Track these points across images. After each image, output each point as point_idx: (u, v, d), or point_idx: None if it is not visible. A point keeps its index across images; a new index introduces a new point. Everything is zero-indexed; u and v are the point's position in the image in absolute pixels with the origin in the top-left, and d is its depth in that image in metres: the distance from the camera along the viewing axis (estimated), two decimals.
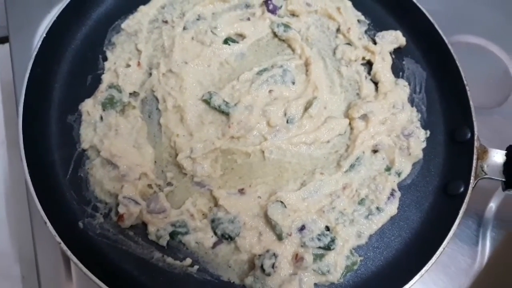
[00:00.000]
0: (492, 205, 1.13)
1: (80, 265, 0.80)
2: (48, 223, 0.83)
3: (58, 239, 0.82)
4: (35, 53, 0.97)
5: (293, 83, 1.04)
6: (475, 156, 0.96)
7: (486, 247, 1.08)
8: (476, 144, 0.97)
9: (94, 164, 0.93)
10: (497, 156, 0.96)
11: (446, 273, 1.06)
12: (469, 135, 0.99)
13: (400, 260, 0.93)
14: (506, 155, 0.96)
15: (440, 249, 0.89)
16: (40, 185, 0.86)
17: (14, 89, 1.13)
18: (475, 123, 1.00)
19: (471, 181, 0.94)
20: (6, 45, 1.23)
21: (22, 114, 0.91)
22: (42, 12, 1.24)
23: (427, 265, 0.87)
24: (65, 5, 1.02)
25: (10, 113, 1.23)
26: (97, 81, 1.01)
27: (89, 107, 0.97)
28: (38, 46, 0.97)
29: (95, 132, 0.96)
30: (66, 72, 1.02)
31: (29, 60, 0.96)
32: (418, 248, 0.93)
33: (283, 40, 1.10)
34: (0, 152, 1.20)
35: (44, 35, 0.99)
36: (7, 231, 1.12)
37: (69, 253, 0.81)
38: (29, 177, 0.86)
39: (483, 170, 0.95)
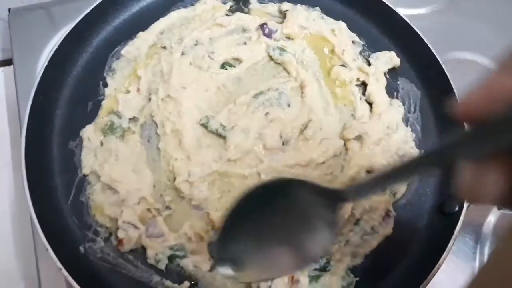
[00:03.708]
0: (490, 221, 1.14)
1: None
2: (50, 250, 0.84)
3: (59, 265, 0.83)
4: (37, 81, 0.99)
5: (289, 105, 1.06)
6: None
7: (484, 264, 1.09)
8: None
9: (94, 190, 0.95)
10: None
11: None
12: None
13: (396, 280, 0.93)
14: None
15: (435, 269, 0.89)
16: (43, 212, 0.88)
17: (18, 112, 1.17)
18: None
19: (465, 200, 0.95)
20: (11, 67, 1.26)
21: (25, 142, 0.94)
22: (46, 36, 1.27)
23: (422, 285, 0.88)
24: (66, 33, 1.05)
25: (15, 134, 1.26)
26: (98, 107, 1.04)
27: (90, 133, 1.00)
28: (40, 74, 1.00)
29: (96, 157, 0.98)
30: (67, 98, 1.05)
31: (32, 84, 0.99)
32: (414, 267, 0.94)
33: (279, 63, 1.12)
34: (5, 173, 1.23)
35: (46, 63, 1.01)
36: (12, 250, 1.15)
37: (70, 278, 0.83)
38: (31, 204, 0.88)
39: None
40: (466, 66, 1.32)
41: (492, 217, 1.14)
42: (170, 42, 1.11)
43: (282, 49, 1.11)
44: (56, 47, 1.03)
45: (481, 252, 1.10)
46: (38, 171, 0.94)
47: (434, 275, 0.89)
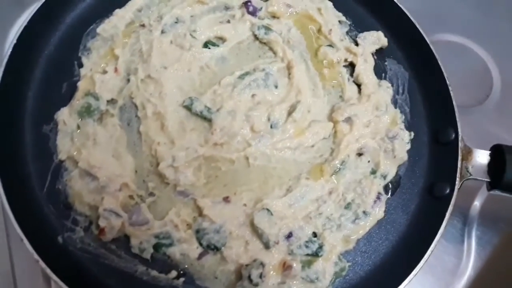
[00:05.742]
0: (477, 204, 1.14)
1: (61, 283, 0.77)
2: (25, 240, 0.79)
3: (36, 256, 0.78)
4: (5, 60, 0.92)
5: (276, 86, 1.02)
6: (459, 157, 0.96)
7: (471, 246, 1.09)
8: (460, 145, 0.97)
9: (72, 176, 0.90)
10: (481, 157, 0.96)
11: (432, 273, 1.07)
12: (453, 135, 0.99)
13: (388, 264, 0.92)
14: (490, 155, 0.96)
15: (428, 252, 0.88)
16: (16, 200, 0.82)
17: None
18: (459, 124, 0.99)
19: (456, 182, 0.94)
20: None
21: None
22: (13, 15, 1.19)
23: (415, 269, 0.87)
24: (36, 9, 0.98)
25: None
26: (73, 88, 0.97)
27: (65, 116, 0.94)
28: (9, 53, 0.93)
29: (72, 142, 0.92)
30: (39, 79, 0.98)
31: (0, 64, 0.92)
32: (406, 251, 0.92)
33: (264, 43, 1.07)
34: None
35: (15, 41, 0.94)
36: None
37: (48, 270, 0.78)
38: (4, 192, 0.82)
39: (468, 171, 0.95)
40: (454, 48, 1.31)
41: (479, 200, 1.14)
42: (149, 20, 1.05)
43: (267, 28, 1.07)
44: (25, 23, 0.96)
45: (469, 235, 1.10)
46: (9, 157, 0.88)
47: (426, 260, 0.87)
